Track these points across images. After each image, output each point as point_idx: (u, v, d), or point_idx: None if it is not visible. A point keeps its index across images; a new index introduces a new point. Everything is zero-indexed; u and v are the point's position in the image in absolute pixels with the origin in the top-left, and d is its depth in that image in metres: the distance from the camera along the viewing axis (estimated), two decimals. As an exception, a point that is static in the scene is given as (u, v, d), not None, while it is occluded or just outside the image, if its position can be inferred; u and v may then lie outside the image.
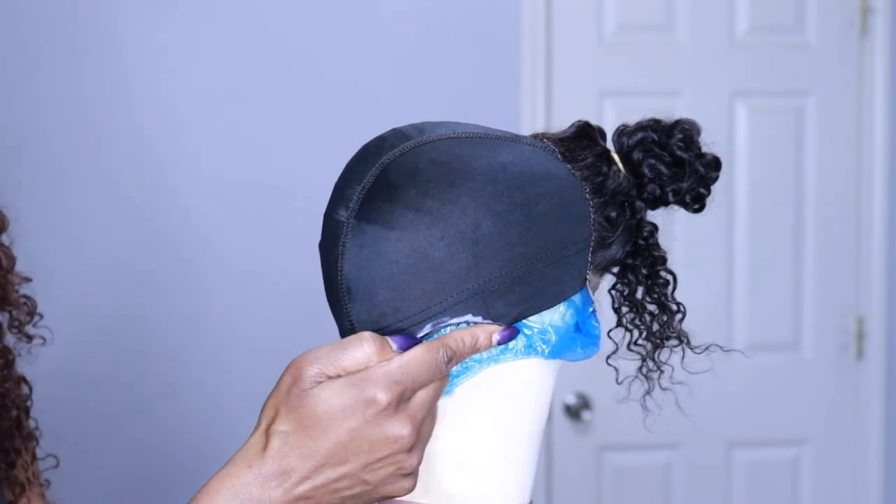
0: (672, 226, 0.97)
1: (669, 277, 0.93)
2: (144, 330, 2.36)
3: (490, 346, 0.84)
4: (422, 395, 0.82)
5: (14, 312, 1.23)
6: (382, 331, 0.83)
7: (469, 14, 2.44)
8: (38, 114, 2.31)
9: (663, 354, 0.94)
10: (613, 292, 0.95)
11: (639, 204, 0.91)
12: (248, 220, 2.39)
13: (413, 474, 0.82)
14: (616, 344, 0.95)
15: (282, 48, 2.38)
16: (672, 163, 0.92)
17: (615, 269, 0.94)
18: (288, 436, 0.80)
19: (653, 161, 0.92)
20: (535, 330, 0.85)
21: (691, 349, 0.94)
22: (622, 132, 0.94)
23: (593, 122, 0.94)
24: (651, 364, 0.94)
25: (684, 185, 0.92)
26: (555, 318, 0.86)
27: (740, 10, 2.56)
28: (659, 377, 0.95)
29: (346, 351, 0.81)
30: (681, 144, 0.92)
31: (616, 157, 0.92)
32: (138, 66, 2.34)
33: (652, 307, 0.94)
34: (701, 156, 0.93)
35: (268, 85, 2.38)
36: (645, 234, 0.92)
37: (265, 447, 0.80)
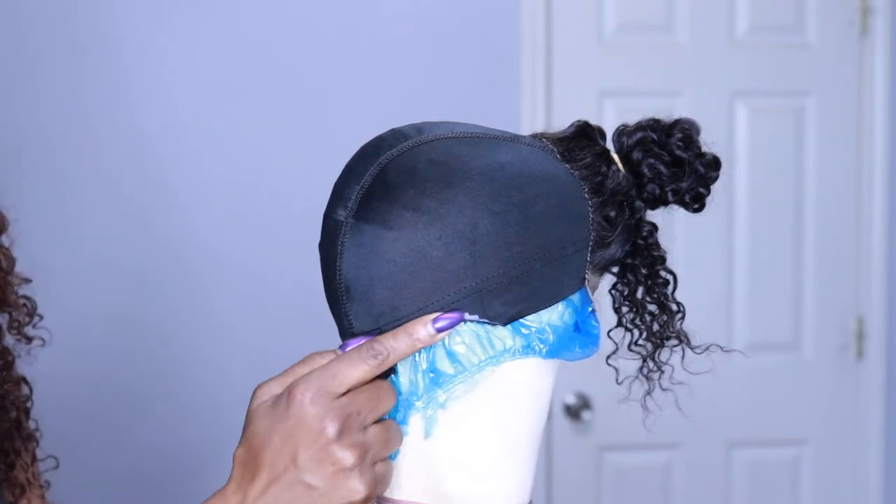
0: (672, 226, 0.97)
1: (669, 277, 0.93)
2: (144, 330, 2.36)
3: (432, 335, 0.82)
4: (349, 390, 0.81)
5: (14, 313, 1.22)
6: (381, 330, 0.84)
7: (469, 14, 2.44)
8: (38, 114, 2.31)
9: (663, 354, 0.94)
10: (613, 292, 0.95)
11: (638, 203, 0.91)
12: (248, 220, 2.39)
13: (355, 475, 0.80)
14: (616, 344, 0.95)
15: (282, 48, 2.39)
16: (672, 162, 0.92)
17: (615, 269, 0.94)
18: (242, 458, 0.82)
19: (652, 161, 0.91)
20: (533, 329, 0.85)
21: (691, 349, 0.94)
22: (622, 132, 0.94)
23: (593, 122, 0.93)
24: (651, 364, 0.94)
25: (684, 184, 0.92)
26: (553, 317, 0.86)
27: (740, 10, 2.56)
28: (659, 377, 0.95)
29: (296, 368, 0.84)
30: (680, 144, 0.92)
31: (615, 156, 0.92)
32: (138, 66, 2.34)
33: (652, 307, 0.93)
34: (700, 155, 0.93)
35: (268, 85, 2.38)
36: (644, 233, 0.91)
37: (230, 476, 0.83)
